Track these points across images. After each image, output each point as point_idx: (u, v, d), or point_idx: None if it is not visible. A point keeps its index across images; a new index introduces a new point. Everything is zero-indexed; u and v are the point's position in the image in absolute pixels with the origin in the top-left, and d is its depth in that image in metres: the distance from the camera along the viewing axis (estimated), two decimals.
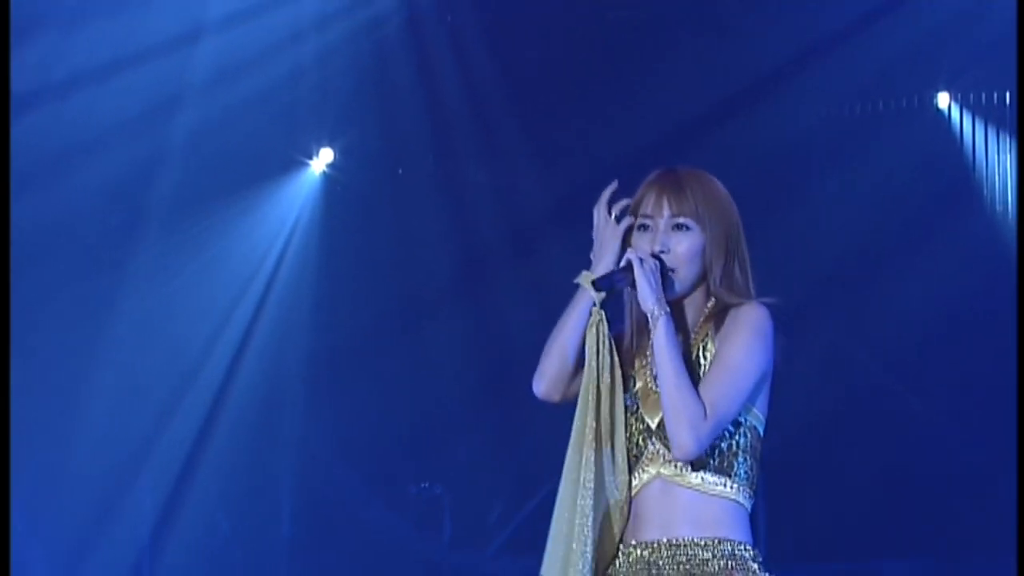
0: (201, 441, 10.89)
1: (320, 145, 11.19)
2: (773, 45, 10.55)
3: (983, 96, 10.61)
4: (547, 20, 10.84)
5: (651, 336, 4.63)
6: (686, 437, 4.52)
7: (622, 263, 4.65)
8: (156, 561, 10.75)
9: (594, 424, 4.65)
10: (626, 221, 4.75)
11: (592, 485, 4.61)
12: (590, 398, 4.67)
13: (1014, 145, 10.57)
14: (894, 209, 10.47)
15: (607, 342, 4.69)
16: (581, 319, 4.71)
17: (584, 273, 4.69)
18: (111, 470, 10.59)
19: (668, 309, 4.57)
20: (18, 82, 9.86)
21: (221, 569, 10.89)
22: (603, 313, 4.70)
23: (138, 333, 10.67)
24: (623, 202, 4.72)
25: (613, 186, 4.74)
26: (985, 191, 10.68)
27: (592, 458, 4.63)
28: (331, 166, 11.19)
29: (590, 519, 4.59)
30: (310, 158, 11.19)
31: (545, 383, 4.73)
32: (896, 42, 10.37)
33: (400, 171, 11.27)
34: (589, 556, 4.59)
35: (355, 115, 11.12)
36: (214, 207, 10.88)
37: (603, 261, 4.71)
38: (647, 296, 4.56)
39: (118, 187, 10.53)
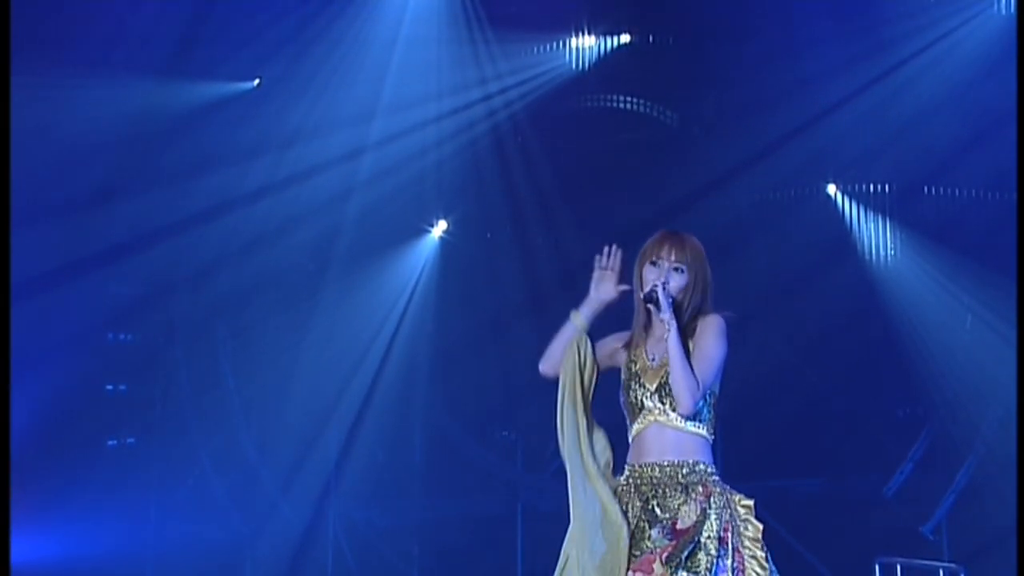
0: (365, 404, 11.91)
1: (438, 218, 12.38)
2: (723, 155, 11.58)
3: (857, 186, 11.73)
4: (581, 138, 11.96)
5: (665, 334, 5.26)
6: (688, 400, 5.22)
7: (648, 288, 5.27)
8: (339, 479, 11.91)
9: (583, 409, 5.30)
10: (612, 275, 5.30)
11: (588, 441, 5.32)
12: (576, 386, 5.31)
13: (877, 218, 11.55)
14: (800, 256, 11.41)
15: (587, 348, 5.39)
16: (569, 337, 5.44)
17: (574, 312, 5.43)
18: (310, 423, 11.81)
19: (676, 320, 5.26)
20: (253, 182, 11.51)
21: (379, 483, 12.10)
22: (585, 337, 5.37)
23: (325, 338, 11.86)
24: (614, 260, 5.25)
25: (606, 255, 5.34)
26: (858, 247, 11.68)
27: (583, 424, 5.35)
28: (445, 232, 12.36)
29: (594, 464, 5.28)
30: (432, 227, 12.36)
31: (547, 367, 5.48)
32: (801, 151, 11.42)
33: (488, 235, 12.34)
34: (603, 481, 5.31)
35: (460, 199, 12.19)
36: (372, 258, 12.03)
37: (600, 293, 5.39)
38: (665, 310, 5.25)
39: (313, 246, 11.93)
